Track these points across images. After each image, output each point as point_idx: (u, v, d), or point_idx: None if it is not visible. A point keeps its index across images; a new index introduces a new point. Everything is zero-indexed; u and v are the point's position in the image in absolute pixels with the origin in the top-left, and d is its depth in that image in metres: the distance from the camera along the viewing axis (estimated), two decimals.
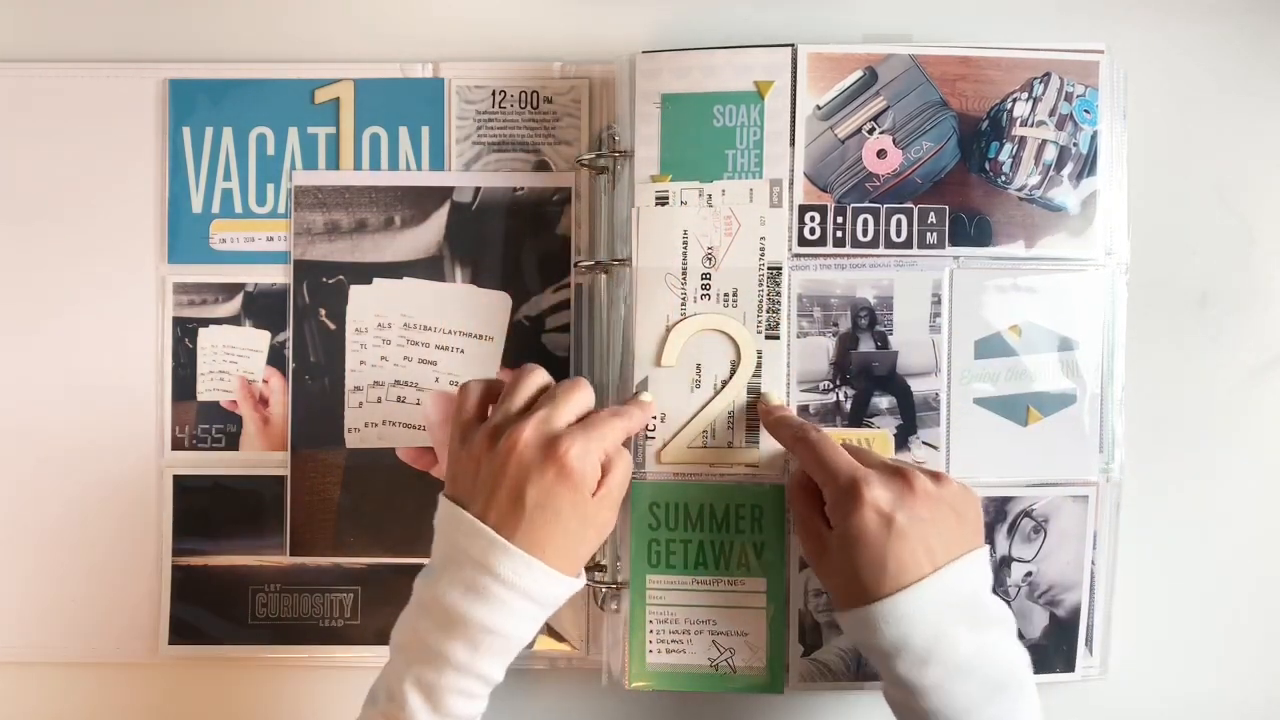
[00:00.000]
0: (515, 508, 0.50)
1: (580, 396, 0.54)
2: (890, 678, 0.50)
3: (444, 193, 0.63)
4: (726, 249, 0.59)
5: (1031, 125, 0.59)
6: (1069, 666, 0.60)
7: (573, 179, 0.63)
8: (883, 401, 0.59)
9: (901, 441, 0.59)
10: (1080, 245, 0.59)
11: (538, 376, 0.55)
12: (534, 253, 0.63)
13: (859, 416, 0.59)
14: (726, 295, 0.59)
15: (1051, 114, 0.59)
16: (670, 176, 0.59)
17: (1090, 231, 0.59)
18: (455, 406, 0.56)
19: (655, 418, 0.58)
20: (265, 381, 0.63)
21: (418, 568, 0.62)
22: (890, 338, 0.59)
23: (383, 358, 0.63)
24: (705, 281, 0.58)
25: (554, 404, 0.53)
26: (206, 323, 0.63)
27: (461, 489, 0.53)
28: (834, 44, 0.59)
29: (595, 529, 0.53)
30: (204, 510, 0.63)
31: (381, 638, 0.62)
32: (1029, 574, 0.60)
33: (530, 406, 0.53)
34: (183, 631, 0.63)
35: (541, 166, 0.63)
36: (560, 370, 0.62)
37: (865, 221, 0.59)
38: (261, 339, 0.63)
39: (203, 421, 0.63)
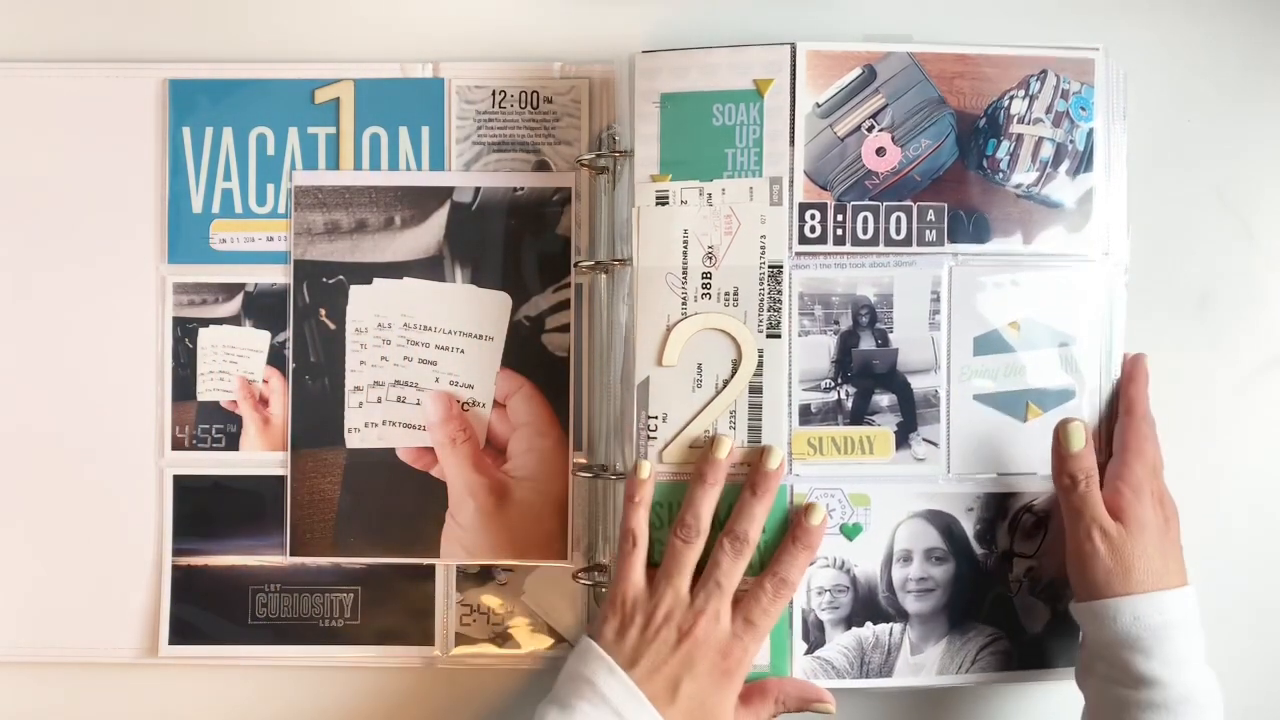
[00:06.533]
0: (672, 693, 0.54)
1: (740, 566, 0.56)
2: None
3: (444, 193, 0.63)
4: (727, 248, 0.59)
5: (1028, 122, 0.59)
6: (1070, 662, 0.60)
7: (573, 179, 0.63)
8: (883, 399, 0.59)
9: (902, 439, 0.59)
10: (1077, 241, 0.59)
11: (693, 551, 0.56)
12: (534, 253, 0.63)
13: (860, 414, 0.59)
14: (727, 294, 0.59)
15: (1048, 111, 0.59)
16: (670, 176, 0.59)
17: (1087, 228, 0.59)
18: (620, 574, 0.57)
19: (655, 417, 0.58)
20: (265, 381, 0.63)
21: (417, 568, 0.63)
22: (890, 335, 0.59)
23: (383, 358, 0.63)
24: (706, 281, 0.58)
25: (720, 590, 0.56)
26: (206, 323, 0.63)
27: (626, 653, 0.55)
28: (832, 42, 0.59)
29: None
30: (204, 510, 0.63)
31: (381, 638, 0.63)
32: (1030, 569, 0.59)
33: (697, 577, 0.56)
34: (183, 631, 0.63)
35: (541, 166, 0.63)
36: (560, 370, 0.62)
37: (865, 219, 0.59)
38: (261, 339, 0.63)
39: (203, 421, 0.63)
